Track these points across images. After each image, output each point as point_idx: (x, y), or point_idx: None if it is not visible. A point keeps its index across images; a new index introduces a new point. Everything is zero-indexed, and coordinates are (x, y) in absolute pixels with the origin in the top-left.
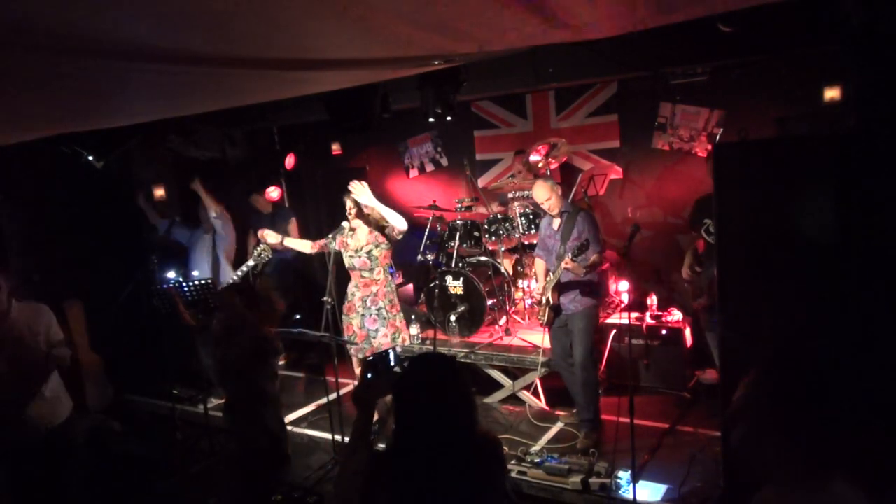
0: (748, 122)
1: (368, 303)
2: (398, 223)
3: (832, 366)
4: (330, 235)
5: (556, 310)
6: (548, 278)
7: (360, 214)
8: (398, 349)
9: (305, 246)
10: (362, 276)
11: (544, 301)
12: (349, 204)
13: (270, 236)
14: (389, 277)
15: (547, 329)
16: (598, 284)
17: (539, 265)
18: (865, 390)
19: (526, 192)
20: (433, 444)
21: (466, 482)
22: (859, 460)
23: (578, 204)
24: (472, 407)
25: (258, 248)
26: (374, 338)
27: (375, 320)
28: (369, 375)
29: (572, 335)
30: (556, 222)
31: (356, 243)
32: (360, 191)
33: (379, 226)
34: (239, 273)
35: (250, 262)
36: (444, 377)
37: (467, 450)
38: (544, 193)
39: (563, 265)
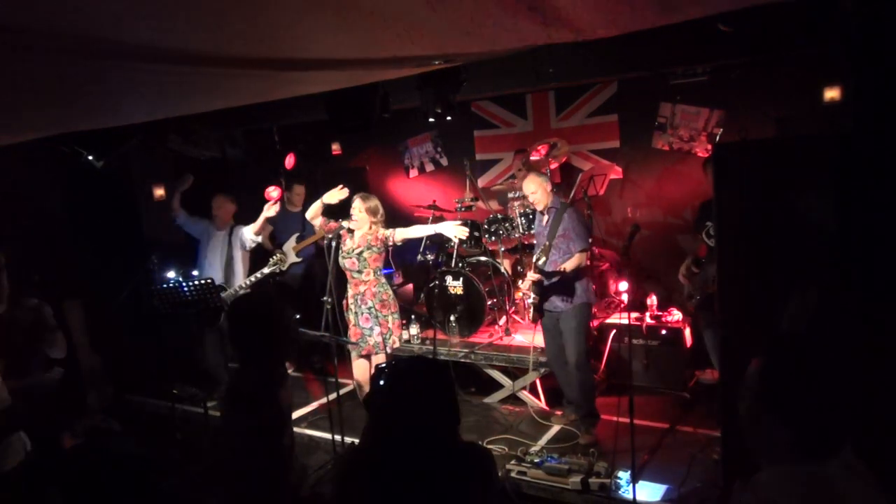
0: (748, 122)
1: (359, 301)
2: (408, 237)
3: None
4: (338, 227)
5: (539, 308)
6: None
7: (363, 218)
8: (388, 350)
9: (318, 216)
10: (353, 277)
11: (530, 300)
12: (357, 204)
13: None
14: (382, 279)
15: (537, 327)
16: (588, 283)
17: None
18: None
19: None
20: (406, 452)
21: (438, 495)
22: (861, 442)
23: (578, 204)
24: (452, 417)
25: (276, 257)
26: (370, 336)
27: (368, 319)
28: (381, 382)
29: (563, 335)
30: (545, 218)
31: (350, 244)
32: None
33: (378, 228)
34: (252, 279)
35: (266, 270)
36: (423, 385)
37: (443, 462)
38: (530, 187)
39: (533, 274)
